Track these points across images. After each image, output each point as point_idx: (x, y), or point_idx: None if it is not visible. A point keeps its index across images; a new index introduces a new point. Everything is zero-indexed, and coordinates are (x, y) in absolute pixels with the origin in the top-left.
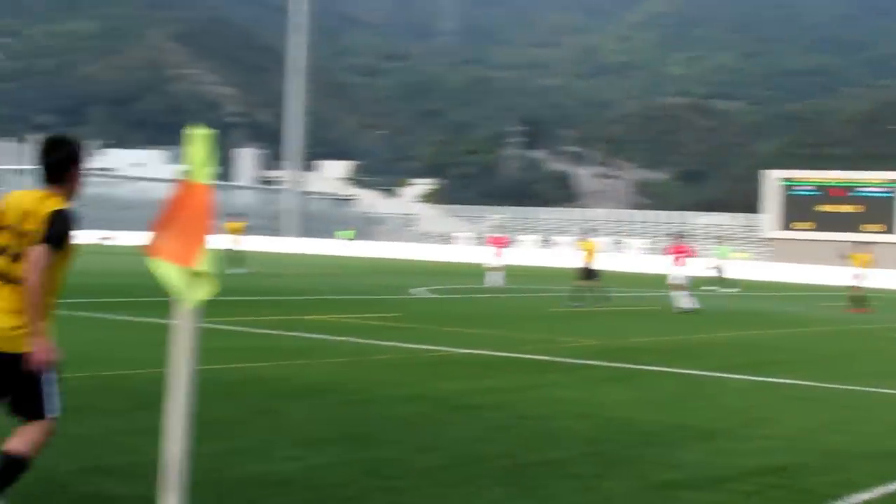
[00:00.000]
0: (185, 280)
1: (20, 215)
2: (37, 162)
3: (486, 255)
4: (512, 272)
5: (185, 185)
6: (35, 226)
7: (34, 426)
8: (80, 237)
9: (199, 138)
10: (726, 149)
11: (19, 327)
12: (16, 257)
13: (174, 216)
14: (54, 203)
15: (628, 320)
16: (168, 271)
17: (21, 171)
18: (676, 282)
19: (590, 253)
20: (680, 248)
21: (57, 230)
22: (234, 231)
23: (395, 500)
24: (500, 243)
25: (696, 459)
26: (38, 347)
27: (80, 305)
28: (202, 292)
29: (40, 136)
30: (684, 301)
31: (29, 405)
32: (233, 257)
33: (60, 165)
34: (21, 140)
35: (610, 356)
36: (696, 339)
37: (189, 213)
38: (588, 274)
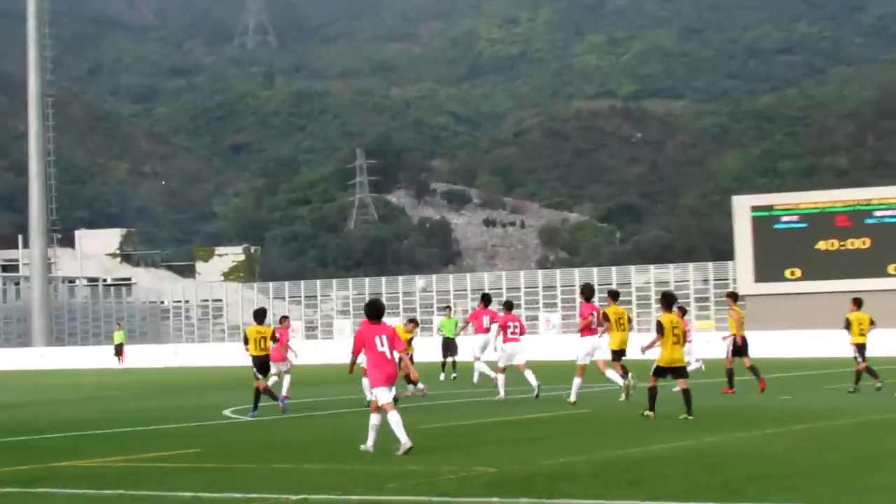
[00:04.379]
0: None
1: None
2: None
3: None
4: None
5: None
6: None
7: None
8: None
9: None
10: (672, 170)
11: None
12: None
13: None
14: None
15: (536, 430)
16: None
17: None
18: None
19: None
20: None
21: None
22: None
23: None
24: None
25: None
26: None
27: None
28: None
29: None
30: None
31: None
32: None
33: None
34: None
35: (512, 490)
36: (642, 453)
37: None
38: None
